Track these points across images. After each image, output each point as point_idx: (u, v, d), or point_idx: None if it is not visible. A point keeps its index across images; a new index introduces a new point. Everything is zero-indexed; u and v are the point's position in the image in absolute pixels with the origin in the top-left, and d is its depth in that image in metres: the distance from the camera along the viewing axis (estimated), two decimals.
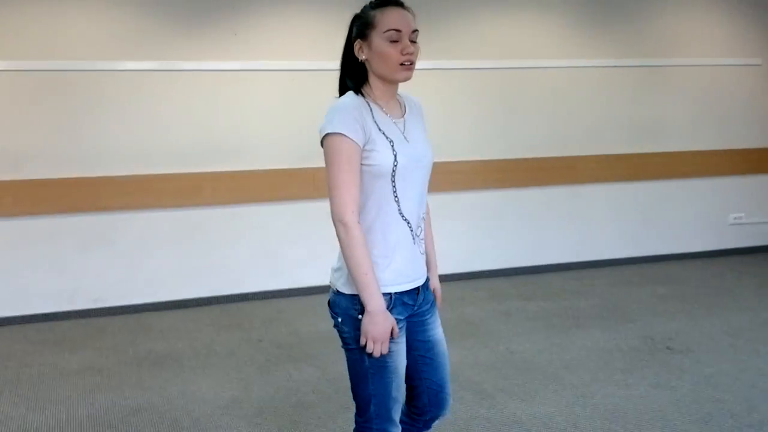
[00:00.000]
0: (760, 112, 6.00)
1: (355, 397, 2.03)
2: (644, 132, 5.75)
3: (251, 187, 4.79)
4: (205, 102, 4.72)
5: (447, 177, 5.26)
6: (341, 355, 2.06)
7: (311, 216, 4.77)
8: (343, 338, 1.99)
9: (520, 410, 3.28)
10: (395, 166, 1.91)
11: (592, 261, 5.74)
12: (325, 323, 2.50)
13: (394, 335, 1.91)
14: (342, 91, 2.02)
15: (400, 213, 1.96)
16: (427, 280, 2.12)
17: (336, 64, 2.05)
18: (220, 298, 4.91)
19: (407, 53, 1.91)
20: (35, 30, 4.36)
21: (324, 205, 2.09)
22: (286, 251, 4.92)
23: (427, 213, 2.17)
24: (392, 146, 1.92)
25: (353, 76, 1.99)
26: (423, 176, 2.02)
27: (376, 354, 1.90)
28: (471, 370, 3.73)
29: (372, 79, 1.99)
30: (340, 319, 1.98)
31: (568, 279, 5.40)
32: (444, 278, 5.31)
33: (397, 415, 2.02)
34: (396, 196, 1.94)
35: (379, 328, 1.88)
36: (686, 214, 5.97)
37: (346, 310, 1.96)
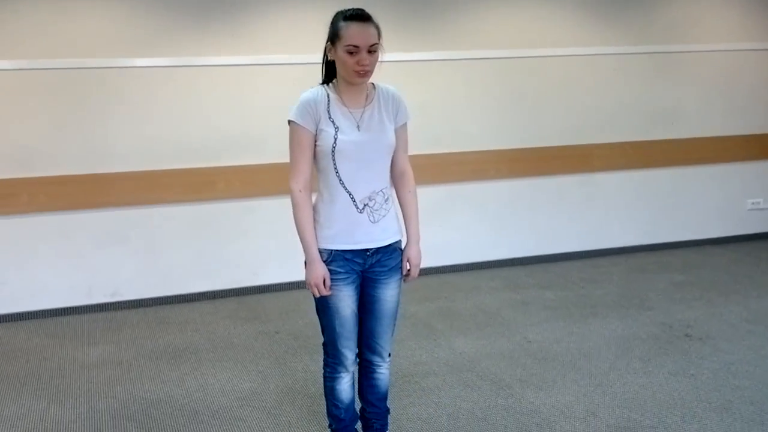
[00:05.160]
0: None
1: None
2: (659, 119, 5.70)
3: (265, 180, 4.79)
4: (217, 97, 4.72)
5: (461, 167, 5.24)
6: None
7: None
8: None
9: (538, 399, 3.27)
10: (334, 147, 2.35)
11: (608, 249, 5.71)
12: None
13: (326, 282, 2.40)
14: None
15: (343, 186, 2.38)
16: (389, 245, 2.49)
17: None
18: (236, 290, 4.92)
19: (362, 65, 2.29)
20: (47, 28, 4.37)
21: None
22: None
23: (411, 190, 2.56)
24: (336, 132, 2.35)
25: (327, 70, 2.45)
26: (369, 159, 2.40)
27: (314, 294, 2.44)
28: (488, 360, 3.72)
29: (338, 76, 2.41)
30: None
31: (585, 267, 5.38)
32: (459, 268, 5.37)
33: (345, 348, 2.53)
34: (337, 172, 2.38)
35: (311, 274, 2.42)
36: (703, 201, 5.92)
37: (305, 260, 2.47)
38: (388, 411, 2.77)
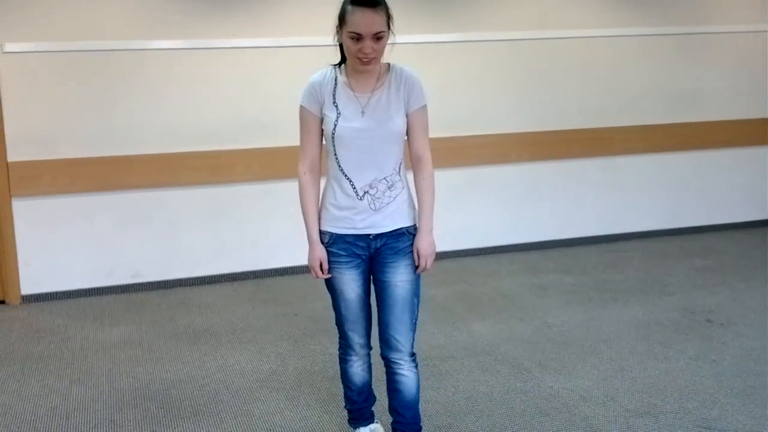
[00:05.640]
0: None
1: None
2: (681, 101, 5.62)
3: (283, 163, 4.79)
4: (236, 79, 4.72)
5: (480, 150, 5.21)
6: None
7: None
8: None
9: (557, 384, 3.26)
10: (333, 132, 2.32)
11: (628, 233, 5.66)
12: None
13: (323, 264, 2.41)
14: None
15: (342, 171, 2.35)
16: (397, 231, 2.40)
17: None
18: (255, 272, 4.94)
19: (363, 53, 2.21)
20: (66, 11, 4.37)
21: None
22: None
23: (426, 178, 2.42)
24: (337, 117, 2.31)
25: (341, 52, 2.36)
26: (371, 146, 2.32)
27: (312, 275, 2.44)
28: (507, 344, 3.72)
29: (347, 59, 2.33)
30: None
31: (605, 252, 5.34)
32: (478, 252, 5.36)
33: (352, 332, 2.51)
34: (336, 157, 2.35)
35: (309, 255, 2.44)
36: (725, 185, 5.85)
37: None
38: (418, 426, 2.56)
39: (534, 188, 5.42)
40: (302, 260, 2.47)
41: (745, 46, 5.68)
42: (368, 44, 2.20)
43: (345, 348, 2.59)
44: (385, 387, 2.56)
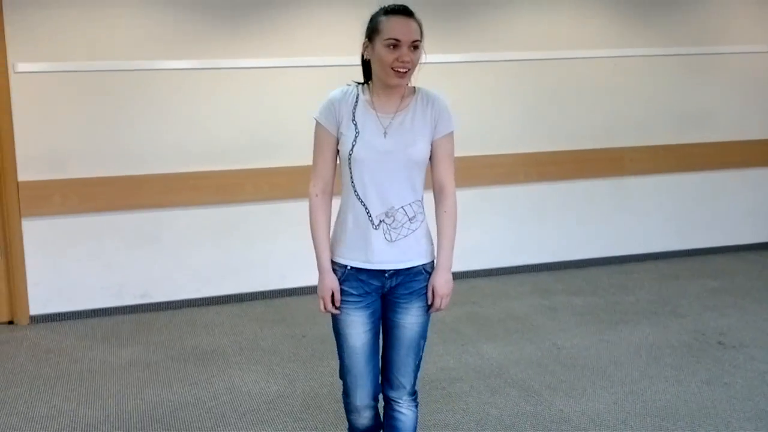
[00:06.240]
0: None
1: None
2: (691, 122, 5.61)
3: (292, 183, 4.80)
4: (246, 99, 4.74)
5: (490, 170, 5.20)
6: None
7: None
8: None
9: (567, 407, 3.22)
10: (350, 154, 2.16)
11: (639, 255, 5.63)
12: None
13: (335, 298, 2.22)
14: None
15: (357, 197, 2.19)
16: (415, 269, 2.24)
17: None
18: (263, 293, 4.93)
19: (402, 61, 2.10)
20: (77, 32, 4.41)
21: None
22: None
23: (448, 210, 2.27)
24: (356, 137, 2.16)
25: (364, 70, 2.27)
26: (392, 170, 2.17)
27: (321, 308, 2.25)
28: (516, 367, 3.68)
29: (374, 75, 2.21)
30: None
31: (615, 273, 5.30)
32: (488, 272, 5.33)
33: (353, 385, 2.29)
34: (353, 181, 2.19)
35: (320, 284, 2.25)
36: (736, 206, 5.81)
37: None
38: None
39: (544, 209, 5.40)
40: (311, 281, 2.35)
41: (754, 66, 5.67)
42: (406, 52, 2.10)
43: (345, 401, 2.37)
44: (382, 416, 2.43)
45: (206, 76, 4.66)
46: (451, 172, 2.27)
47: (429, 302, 2.27)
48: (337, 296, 2.23)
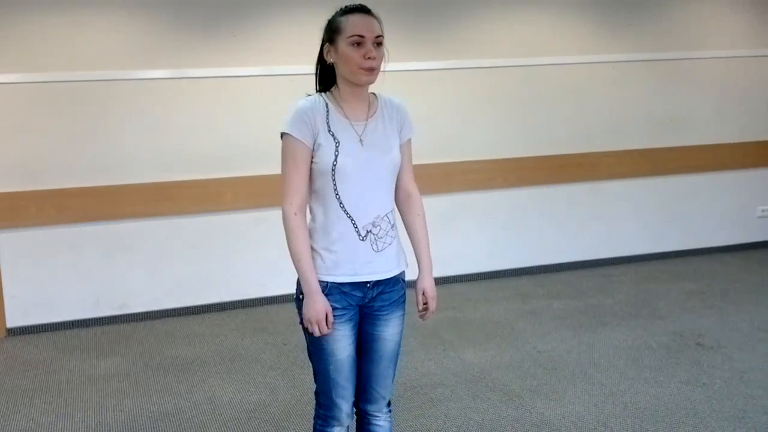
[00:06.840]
0: None
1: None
2: (666, 126, 5.68)
3: (272, 191, 4.77)
4: (224, 108, 4.73)
5: (467, 176, 5.22)
6: None
7: None
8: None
9: (548, 410, 3.24)
10: (334, 165, 2.07)
11: (617, 258, 5.68)
12: None
13: (329, 319, 2.10)
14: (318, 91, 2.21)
15: (343, 210, 2.11)
16: (393, 278, 2.21)
17: None
18: (243, 302, 4.91)
19: (369, 58, 2.05)
20: (53, 42, 4.38)
21: None
22: None
23: (421, 213, 2.29)
24: (336, 147, 2.08)
25: (324, 78, 2.19)
26: (374, 178, 2.13)
27: (315, 333, 2.11)
28: (497, 371, 3.70)
29: (339, 81, 2.14)
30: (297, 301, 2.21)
31: (594, 276, 5.34)
32: (467, 278, 5.35)
33: (341, 399, 2.21)
34: (337, 194, 2.10)
35: (312, 309, 2.09)
36: (712, 208, 5.89)
37: (297, 292, 2.19)
38: None
39: (521, 214, 5.44)
40: (291, 289, 2.33)
41: (726, 71, 5.75)
42: (371, 48, 2.05)
43: (327, 419, 2.26)
44: None
45: (183, 85, 4.64)
46: (413, 176, 2.30)
47: (421, 307, 2.27)
48: (331, 318, 2.12)
